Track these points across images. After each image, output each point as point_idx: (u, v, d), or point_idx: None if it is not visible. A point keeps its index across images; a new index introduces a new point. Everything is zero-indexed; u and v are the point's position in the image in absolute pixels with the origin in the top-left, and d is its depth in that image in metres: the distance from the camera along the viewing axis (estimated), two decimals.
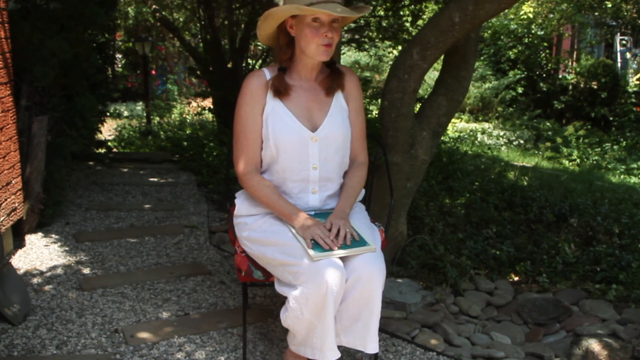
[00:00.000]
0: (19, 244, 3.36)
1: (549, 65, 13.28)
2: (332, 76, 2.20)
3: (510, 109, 12.26)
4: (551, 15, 12.51)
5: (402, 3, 6.74)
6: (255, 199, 2.18)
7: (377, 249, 2.03)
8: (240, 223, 2.23)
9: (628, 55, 13.84)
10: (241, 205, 2.23)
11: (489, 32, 13.17)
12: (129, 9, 11.35)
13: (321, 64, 2.19)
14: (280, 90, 2.10)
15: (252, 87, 2.12)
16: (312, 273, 1.88)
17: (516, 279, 3.52)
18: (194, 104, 10.58)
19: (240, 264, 2.20)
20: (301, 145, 2.11)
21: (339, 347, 2.00)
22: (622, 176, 8.55)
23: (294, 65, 2.15)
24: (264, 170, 2.20)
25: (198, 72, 8.38)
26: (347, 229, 2.02)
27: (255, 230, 2.15)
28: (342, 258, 1.96)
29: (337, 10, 1.98)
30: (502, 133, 10.86)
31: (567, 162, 9.49)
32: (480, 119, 12.24)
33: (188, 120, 10.09)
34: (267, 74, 2.15)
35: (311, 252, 1.91)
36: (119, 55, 13.10)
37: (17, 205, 3.20)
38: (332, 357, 1.96)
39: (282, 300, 2.88)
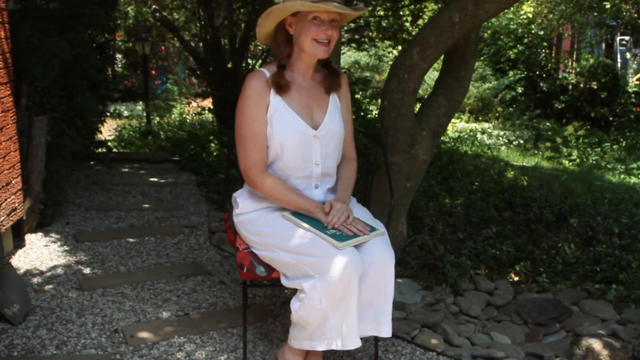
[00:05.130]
0: (19, 244, 3.36)
1: (549, 65, 13.29)
2: (331, 76, 2.25)
3: (510, 109, 12.27)
4: (551, 15, 12.52)
5: (402, 3, 6.74)
6: (259, 195, 2.20)
7: (385, 232, 2.14)
8: (244, 221, 2.22)
9: (628, 55, 13.84)
10: (245, 202, 2.24)
11: (489, 32, 13.17)
12: (129, 9, 11.35)
13: (316, 62, 2.22)
14: (281, 85, 2.12)
15: (255, 88, 2.13)
16: (335, 261, 1.92)
17: (516, 279, 3.53)
18: (193, 104, 10.58)
19: (243, 260, 2.19)
20: (305, 143, 2.15)
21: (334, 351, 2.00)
22: (621, 176, 8.55)
23: (292, 63, 2.19)
24: (267, 168, 2.20)
25: (198, 72, 8.38)
26: (352, 215, 2.12)
27: (264, 226, 2.16)
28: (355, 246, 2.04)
29: (334, 6, 2.02)
30: (502, 133, 10.86)
31: (566, 162, 9.49)
32: (480, 119, 12.24)
33: (188, 120, 10.09)
34: (267, 73, 2.17)
35: (337, 243, 1.97)
36: (119, 55, 13.10)
37: (17, 205, 3.20)
38: (354, 344, 1.99)
39: (282, 300, 2.89)
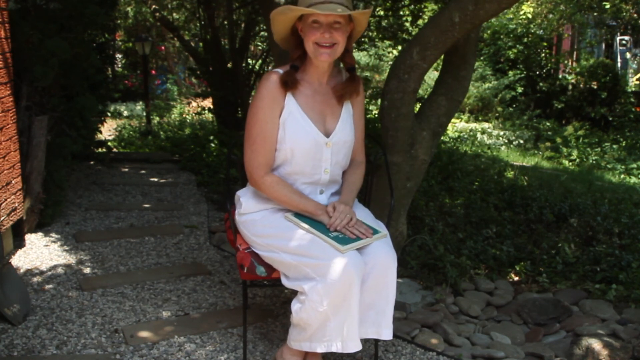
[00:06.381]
0: (19, 243, 3.36)
1: (549, 65, 13.30)
2: (350, 82, 2.20)
3: (510, 109, 12.28)
4: (551, 15, 12.53)
5: (402, 3, 6.73)
6: (263, 195, 2.18)
7: (387, 235, 2.12)
8: (247, 221, 2.21)
9: (628, 55, 13.85)
10: (248, 202, 2.23)
11: (489, 32, 13.18)
12: (129, 8, 11.35)
13: (333, 67, 2.20)
14: (288, 82, 2.08)
15: (270, 89, 2.09)
16: (336, 264, 1.92)
17: (516, 278, 3.53)
18: (193, 104, 10.59)
19: (243, 260, 2.19)
20: (316, 150, 2.14)
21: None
22: (621, 176, 8.56)
23: (306, 67, 2.16)
24: (273, 170, 2.19)
25: (198, 72, 8.39)
26: (356, 217, 2.10)
27: (267, 227, 2.15)
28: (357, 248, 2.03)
29: (321, 8, 1.99)
30: (501, 133, 10.87)
31: (566, 162, 9.50)
32: (480, 119, 12.25)
33: (188, 120, 10.10)
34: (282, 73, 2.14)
35: (340, 246, 1.96)
36: (119, 55, 13.11)
37: (17, 205, 3.20)
38: (354, 347, 2.00)
39: (282, 300, 2.89)
